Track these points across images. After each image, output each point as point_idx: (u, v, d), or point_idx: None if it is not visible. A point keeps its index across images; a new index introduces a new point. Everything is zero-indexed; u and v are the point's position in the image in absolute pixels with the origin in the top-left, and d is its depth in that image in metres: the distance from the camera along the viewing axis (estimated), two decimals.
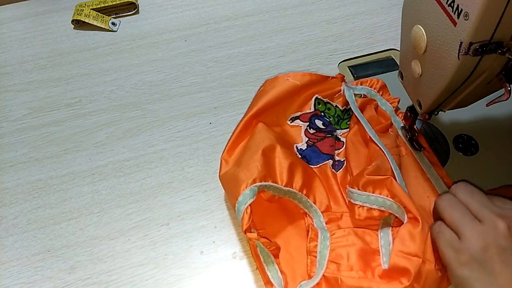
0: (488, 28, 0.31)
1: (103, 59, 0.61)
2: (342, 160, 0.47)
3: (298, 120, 0.49)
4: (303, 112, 0.49)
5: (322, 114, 0.50)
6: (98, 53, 0.62)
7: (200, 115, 0.54)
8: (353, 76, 0.57)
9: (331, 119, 0.50)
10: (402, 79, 0.44)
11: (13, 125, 0.54)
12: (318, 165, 0.47)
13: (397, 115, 0.50)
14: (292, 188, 0.42)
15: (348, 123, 0.50)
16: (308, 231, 0.42)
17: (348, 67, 0.58)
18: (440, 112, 0.43)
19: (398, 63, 0.57)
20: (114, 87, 0.58)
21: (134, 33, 0.64)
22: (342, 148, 0.48)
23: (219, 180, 0.46)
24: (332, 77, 0.51)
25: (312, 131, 0.49)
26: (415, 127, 0.47)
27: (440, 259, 0.37)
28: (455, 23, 0.32)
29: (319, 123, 0.49)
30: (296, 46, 0.61)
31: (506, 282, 0.34)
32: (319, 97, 0.50)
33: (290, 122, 0.49)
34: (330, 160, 0.47)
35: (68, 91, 0.58)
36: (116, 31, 0.65)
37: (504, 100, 0.36)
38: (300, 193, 0.42)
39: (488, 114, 0.51)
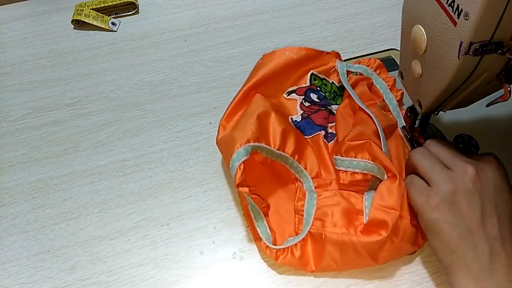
0: (488, 28, 0.31)
1: (103, 59, 0.61)
2: (334, 132, 0.49)
3: (294, 94, 0.50)
4: (299, 86, 0.51)
5: (318, 89, 0.51)
6: (98, 53, 0.62)
7: (200, 115, 0.54)
8: None
9: (327, 94, 0.51)
10: (402, 79, 0.44)
11: (13, 125, 0.54)
12: (311, 136, 0.48)
13: (392, 92, 0.50)
14: (284, 152, 0.44)
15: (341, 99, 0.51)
16: None
17: None
18: (440, 112, 0.43)
19: (398, 63, 0.57)
20: (114, 87, 0.58)
21: (134, 33, 0.64)
22: (333, 125, 0.49)
23: (219, 179, 0.46)
24: (327, 53, 0.52)
25: (307, 104, 0.50)
26: (415, 127, 0.47)
27: (415, 214, 0.39)
28: (455, 23, 0.32)
29: (314, 96, 0.50)
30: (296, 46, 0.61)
31: (472, 223, 0.35)
32: (314, 72, 0.51)
33: (287, 96, 0.50)
34: (322, 131, 0.48)
35: (68, 91, 0.58)
36: (116, 31, 0.65)
37: (504, 100, 0.36)
38: (291, 158, 0.44)
39: (488, 114, 0.51)
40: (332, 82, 0.52)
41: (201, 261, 0.43)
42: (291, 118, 0.49)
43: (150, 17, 0.66)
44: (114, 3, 0.65)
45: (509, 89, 0.35)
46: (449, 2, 0.32)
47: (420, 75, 0.39)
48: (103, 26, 0.64)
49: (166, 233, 0.45)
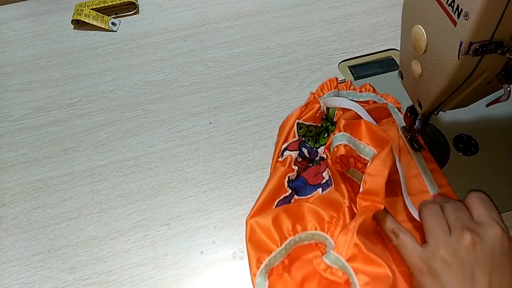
0: (488, 28, 0.31)
1: (103, 59, 0.61)
2: (327, 180, 0.46)
3: (287, 151, 0.47)
4: (289, 142, 0.47)
5: (304, 139, 0.48)
6: (98, 53, 0.62)
7: (200, 115, 0.54)
8: (353, 76, 0.57)
9: (310, 142, 0.48)
10: (402, 79, 0.44)
11: (13, 125, 0.54)
12: (306, 197, 0.45)
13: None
14: (289, 237, 0.41)
15: (325, 136, 0.49)
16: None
17: (348, 67, 0.58)
18: (440, 112, 0.43)
19: (398, 63, 0.57)
20: (114, 87, 0.58)
21: (134, 33, 0.64)
22: (326, 170, 0.46)
23: (218, 179, 0.45)
24: (309, 100, 0.50)
25: (300, 159, 0.47)
26: (415, 127, 0.47)
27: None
28: (455, 23, 0.32)
29: (305, 151, 0.48)
30: (296, 46, 0.61)
31: None
32: (300, 121, 0.48)
33: (281, 159, 0.46)
34: (319, 189, 0.46)
35: (68, 91, 0.58)
36: (116, 31, 0.65)
37: (504, 100, 0.36)
38: (298, 234, 0.41)
39: (488, 114, 0.51)
40: (317, 125, 0.49)
41: (201, 261, 0.43)
42: (288, 177, 0.45)
43: (150, 17, 0.66)
44: (114, 3, 0.65)
45: (509, 89, 0.35)
46: (449, 2, 0.32)
47: (420, 75, 0.39)
48: (103, 26, 0.64)
49: (166, 233, 0.45)
